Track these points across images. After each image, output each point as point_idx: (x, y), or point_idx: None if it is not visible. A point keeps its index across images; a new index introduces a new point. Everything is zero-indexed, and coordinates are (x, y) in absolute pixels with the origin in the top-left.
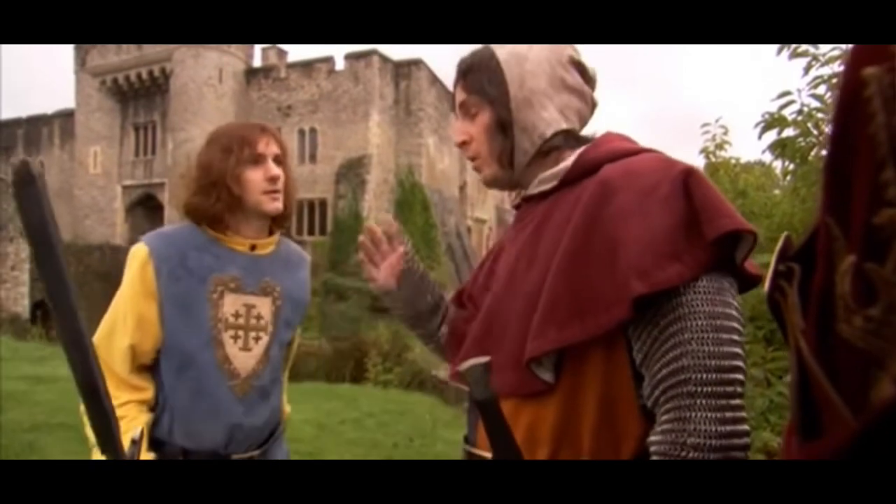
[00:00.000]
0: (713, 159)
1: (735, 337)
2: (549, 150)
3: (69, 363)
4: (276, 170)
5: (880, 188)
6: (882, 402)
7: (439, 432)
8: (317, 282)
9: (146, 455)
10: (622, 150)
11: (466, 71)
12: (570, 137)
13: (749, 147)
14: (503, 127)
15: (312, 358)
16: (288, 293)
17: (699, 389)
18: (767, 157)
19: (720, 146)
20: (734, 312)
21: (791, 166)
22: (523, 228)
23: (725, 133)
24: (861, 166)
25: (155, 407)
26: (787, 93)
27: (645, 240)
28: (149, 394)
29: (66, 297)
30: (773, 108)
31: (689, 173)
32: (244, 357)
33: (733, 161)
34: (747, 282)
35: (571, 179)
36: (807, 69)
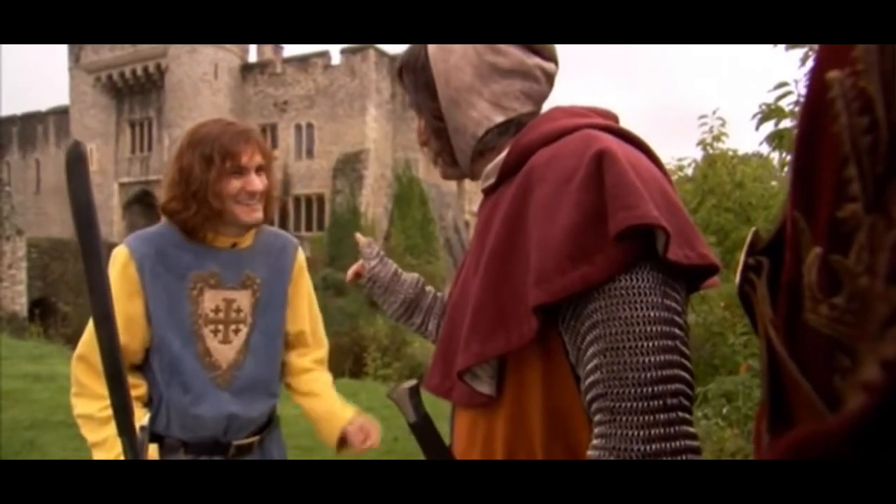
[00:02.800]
0: (711, 151)
1: (664, 342)
2: (484, 148)
3: (95, 329)
4: (257, 184)
5: (844, 184)
6: (869, 385)
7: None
8: (315, 277)
9: (149, 446)
10: (556, 131)
11: (400, 71)
12: (512, 126)
13: (746, 138)
14: (437, 131)
15: None
16: (267, 282)
17: (617, 405)
18: (765, 149)
19: (717, 138)
20: (664, 314)
21: (788, 157)
22: (478, 227)
23: (723, 125)
24: (826, 163)
25: (149, 403)
26: (784, 84)
27: (550, 240)
28: (142, 390)
29: (101, 270)
30: (771, 99)
31: (600, 156)
32: (224, 349)
33: (731, 153)
34: (703, 270)
35: (509, 171)
36: (804, 60)
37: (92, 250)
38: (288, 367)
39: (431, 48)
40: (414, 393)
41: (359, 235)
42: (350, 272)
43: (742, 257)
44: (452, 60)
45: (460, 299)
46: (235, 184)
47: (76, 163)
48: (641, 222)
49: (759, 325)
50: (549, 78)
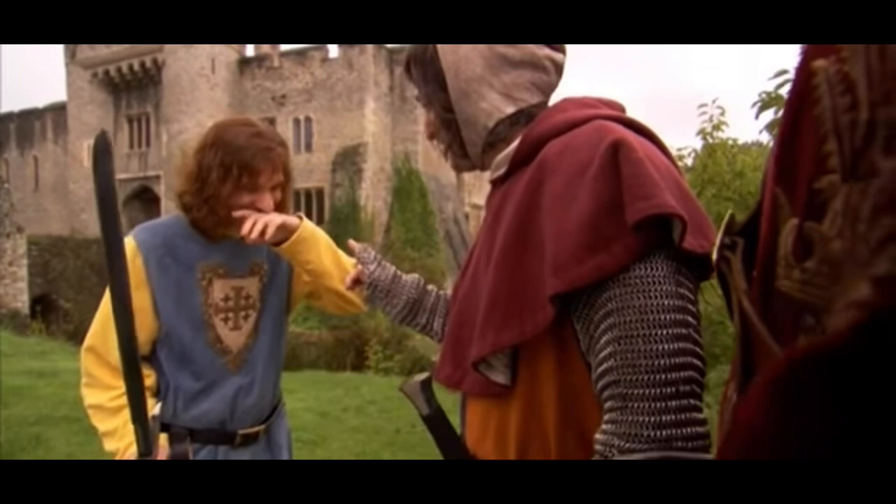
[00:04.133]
0: (710, 140)
1: (677, 330)
2: (495, 140)
3: (114, 315)
4: (268, 203)
5: (823, 158)
6: (860, 303)
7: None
8: None
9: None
10: (568, 122)
11: (408, 64)
12: (523, 116)
13: (746, 127)
14: (447, 123)
15: (313, 347)
16: (272, 267)
17: (630, 392)
18: (765, 137)
19: (717, 127)
20: (678, 302)
21: None
22: (487, 218)
23: (722, 114)
24: (807, 142)
25: (157, 392)
26: (784, 71)
27: (566, 230)
28: (150, 380)
29: (119, 252)
30: (770, 87)
31: (616, 146)
32: (234, 335)
33: (731, 142)
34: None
35: (520, 161)
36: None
37: (112, 235)
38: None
39: None
40: (426, 386)
41: (352, 242)
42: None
43: (718, 237)
44: (462, 52)
45: (470, 291)
46: (246, 198)
47: (103, 152)
48: (660, 211)
49: (732, 297)
50: (559, 68)
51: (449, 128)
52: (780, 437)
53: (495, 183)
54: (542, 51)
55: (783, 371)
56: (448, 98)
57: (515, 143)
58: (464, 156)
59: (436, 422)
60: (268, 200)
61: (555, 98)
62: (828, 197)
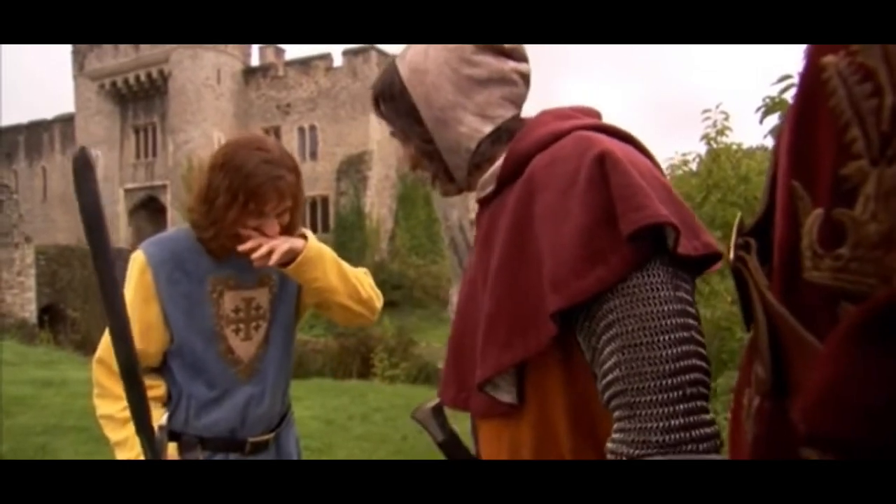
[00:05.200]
0: (714, 145)
1: (680, 334)
2: (480, 160)
3: (111, 332)
4: (273, 228)
5: (847, 146)
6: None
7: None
8: None
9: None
10: (552, 135)
11: (377, 101)
12: (503, 133)
13: (751, 132)
14: (429, 154)
15: (319, 355)
16: (282, 278)
17: (637, 400)
18: (770, 142)
19: (721, 132)
20: (677, 306)
21: None
22: (479, 237)
23: (726, 119)
24: (825, 133)
25: (168, 402)
26: (788, 76)
27: (562, 244)
28: (160, 391)
29: (110, 269)
30: (775, 91)
31: (601, 159)
32: (245, 346)
33: (735, 147)
34: (708, 258)
35: (508, 178)
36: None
37: (101, 252)
38: None
39: (404, 73)
40: (438, 412)
41: None
42: None
43: (733, 238)
44: (430, 80)
45: (468, 311)
46: (252, 223)
47: (84, 169)
48: (653, 221)
49: (753, 296)
50: (526, 79)
51: (431, 158)
52: (867, 379)
53: (483, 202)
54: (507, 65)
55: (870, 314)
56: (425, 129)
57: (500, 161)
58: (451, 181)
59: (452, 447)
60: (273, 226)
61: (527, 110)
62: (856, 183)
